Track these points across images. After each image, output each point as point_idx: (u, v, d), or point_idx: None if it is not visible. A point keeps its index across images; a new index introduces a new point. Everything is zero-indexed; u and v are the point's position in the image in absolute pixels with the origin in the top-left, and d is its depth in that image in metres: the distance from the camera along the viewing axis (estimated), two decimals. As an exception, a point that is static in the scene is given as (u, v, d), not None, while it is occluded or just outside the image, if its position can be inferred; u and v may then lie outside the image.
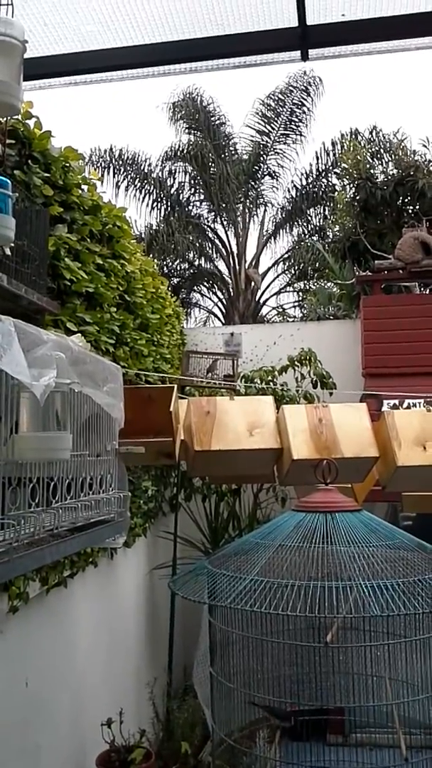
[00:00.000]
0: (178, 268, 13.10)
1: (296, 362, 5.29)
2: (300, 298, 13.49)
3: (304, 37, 2.36)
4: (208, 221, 13.04)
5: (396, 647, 2.65)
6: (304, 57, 2.46)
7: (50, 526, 1.52)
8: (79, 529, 1.71)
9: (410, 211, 7.38)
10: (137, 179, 12.69)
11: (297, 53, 2.44)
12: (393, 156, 7.70)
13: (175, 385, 3.03)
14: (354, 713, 3.24)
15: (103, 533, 1.86)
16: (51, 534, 1.54)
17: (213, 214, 12.90)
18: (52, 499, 1.54)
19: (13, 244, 1.70)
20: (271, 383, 5.16)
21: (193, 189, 12.92)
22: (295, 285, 13.52)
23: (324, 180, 12.66)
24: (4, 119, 1.87)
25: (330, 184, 12.38)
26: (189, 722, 4.22)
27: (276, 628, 2.53)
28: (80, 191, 3.08)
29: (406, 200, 7.33)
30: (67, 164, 2.92)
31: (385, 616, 2.16)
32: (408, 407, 4.83)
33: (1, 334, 1.21)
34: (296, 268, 13.19)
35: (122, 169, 12.64)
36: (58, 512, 1.55)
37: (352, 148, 7.90)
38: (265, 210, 13.18)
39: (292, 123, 12.64)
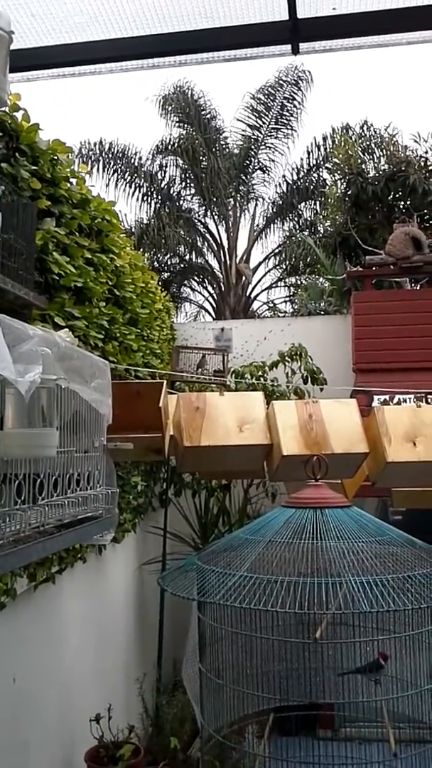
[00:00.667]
0: (169, 262, 13.06)
1: (287, 357, 5.28)
2: (291, 293, 13.48)
3: (295, 31, 2.34)
4: (198, 215, 13.01)
5: (385, 643, 2.65)
6: (295, 51, 2.44)
7: (36, 524, 1.50)
8: (66, 525, 1.69)
9: (401, 206, 7.36)
10: (127, 173, 12.63)
11: (287, 47, 2.41)
12: (384, 151, 7.68)
13: (164, 381, 3.01)
14: (343, 708, 3.25)
15: (91, 530, 1.85)
16: (38, 531, 1.53)
17: (204, 208, 12.87)
18: (39, 496, 1.53)
19: (-1, 238, 1.68)
20: (261, 378, 5.16)
21: (183, 183, 12.88)
22: (286, 280, 13.51)
23: (315, 175, 12.64)
24: (-9, 111, 1.84)
25: (321, 178, 12.36)
26: (178, 718, 4.22)
27: (266, 624, 2.52)
28: (69, 184, 3.05)
29: (397, 196, 7.32)
30: (55, 157, 2.89)
31: (374, 612, 2.16)
32: (398, 403, 4.84)
33: (-14, 329, 1.19)
34: (287, 263, 13.18)
35: (112, 163, 12.57)
36: (45, 509, 1.53)
37: (343, 143, 7.87)
38: (256, 204, 13.17)
39: (283, 117, 12.61)
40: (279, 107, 12.53)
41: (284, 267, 13.32)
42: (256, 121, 12.61)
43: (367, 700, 2.70)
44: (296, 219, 13.08)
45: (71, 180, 3.11)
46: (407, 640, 2.62)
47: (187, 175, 12.69)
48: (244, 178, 12.77)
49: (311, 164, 12.67)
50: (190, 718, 4.14)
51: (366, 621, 2.58)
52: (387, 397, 4.86)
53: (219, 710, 2.68)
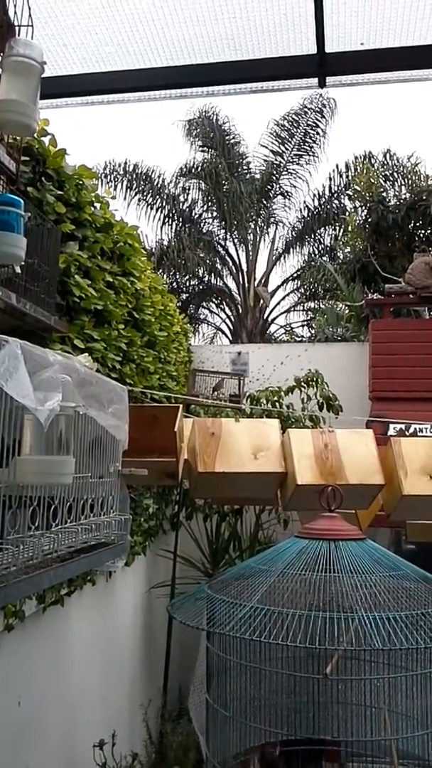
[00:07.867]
0: (187, 283, 13.14)
1: (303, 383, 5.27)
2: (308, 318, 13.50)
3: (322, 65, 2.36)
4: (219, 238, 13.09)
5: (396, 679, 2.60)
6: (322, 84, 2.46)
7: (49, 550, 1.49)
8: (78, 551, 1.68)
9: (421, 235, 7.38)
10: (150, 194, 12.78)
11: (314, 80, 2.44)
12: (406, 180, 7.73)
13: (181, 405, 3.01)
14: (351, 744, 3.18)
15: (103, 557, 1.84)
16: (49, 557, 1.52)
17: (224, 231, 12.96)
18: (52, 522, 1.52)
19: (23, 263, 1.70)
20: (277, 404, 5.14)
21: (205, 206, 13.00)
22: (305, 304, 13.54)
23: (336, 201, 12.71)
24: (19, 138, 1.87)
25: (342, 205, 12.43)
26: (182, 746, 4.16)
27: (275, 655, 2.49)
28: (93, 209, 3.08)
29: (418, 224, 7.34)
30: (81, 182, 2.92)
31: (386, 649, 2.13)
32: (414, 432, 4.80)
33: (8, 357, 1.20)
34: (306, 287, 13.21)
35: (135, 184, 12.73)
36: (58, 536, 1.53)
37: (365, 171, 7.92)
38: (276, 229, 13.25)
39: (306, 144, 12.72)
40: (302, 134, 12.64)
41: (302, 291, 13.36)
42: (279, 147, 12.73)
43: (377, 738, 2.64)
44: (316, 244, 13.14)
45: (95, 204, 3.14)
46: (419, 677, 2.57)
47: (209, 199, 12.81)
48: (265, 202, 12.86)
49: (332, 190, 12.75)
50: (195, 746, 4.07)
51: (377, 657, 2.53)
52: (403, 426, 4.82)
53: (225, 742, 2.64)
